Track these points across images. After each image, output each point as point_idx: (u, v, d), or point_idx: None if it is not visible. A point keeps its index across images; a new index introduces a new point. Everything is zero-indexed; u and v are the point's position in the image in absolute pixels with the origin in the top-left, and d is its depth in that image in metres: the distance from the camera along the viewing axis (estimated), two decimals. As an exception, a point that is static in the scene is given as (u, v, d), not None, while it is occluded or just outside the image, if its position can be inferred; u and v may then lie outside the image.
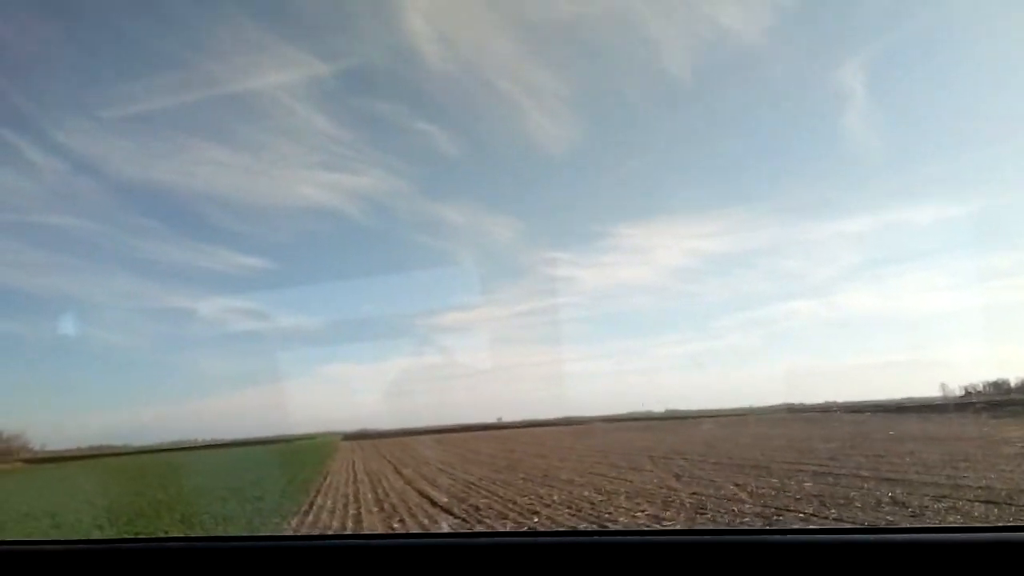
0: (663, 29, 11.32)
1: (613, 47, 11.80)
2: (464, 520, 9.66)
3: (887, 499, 9.07)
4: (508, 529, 8.68)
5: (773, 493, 10.10)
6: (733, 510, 9.14)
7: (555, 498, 10.97)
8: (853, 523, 7.88)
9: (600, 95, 13.92)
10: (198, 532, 10.44)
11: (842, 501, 9.12)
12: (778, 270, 18.85)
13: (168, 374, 25.97)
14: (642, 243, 18.26)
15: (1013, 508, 8.10)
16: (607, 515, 9.29)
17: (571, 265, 18.39)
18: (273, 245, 19.24)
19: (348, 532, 9.24)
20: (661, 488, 11.28)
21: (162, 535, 9.44)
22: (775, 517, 8.48)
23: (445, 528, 9.30)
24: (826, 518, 8.27)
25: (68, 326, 19.18)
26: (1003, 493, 8.86)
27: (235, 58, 11.83)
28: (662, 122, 15.11)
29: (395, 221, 19.45)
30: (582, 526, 8.75)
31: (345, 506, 11.79)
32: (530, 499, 11.07)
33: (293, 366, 21.85)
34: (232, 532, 10.63)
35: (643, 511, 9.39)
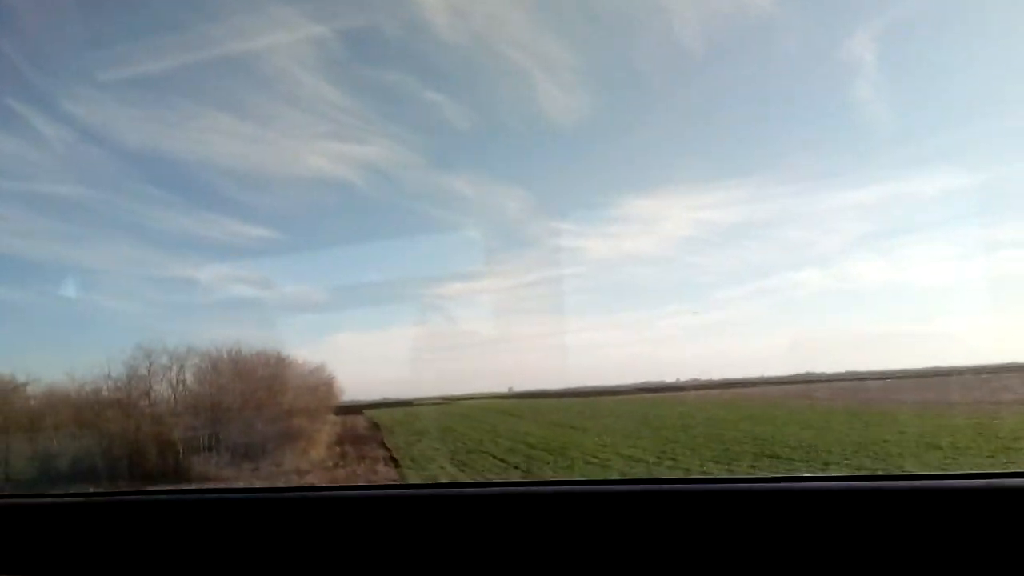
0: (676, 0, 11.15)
1: (625, 17, 11.63)
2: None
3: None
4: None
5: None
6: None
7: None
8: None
9: (611, 66, 13.71)
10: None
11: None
12: (786, 240, 18.81)
13: (171, 340, 26.21)
14: (649, 214, 18.25)
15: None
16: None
17: (577, 236, 18.40)
18: (280, 215, 19.29)
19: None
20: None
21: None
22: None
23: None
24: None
25: (71, 292, 19.43)
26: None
27: (242, 25, 11.72)
28: (672, 93, 14.91)
29: (402, 191, 19.41)
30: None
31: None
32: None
33: (301, 334, 22.09)
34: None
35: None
